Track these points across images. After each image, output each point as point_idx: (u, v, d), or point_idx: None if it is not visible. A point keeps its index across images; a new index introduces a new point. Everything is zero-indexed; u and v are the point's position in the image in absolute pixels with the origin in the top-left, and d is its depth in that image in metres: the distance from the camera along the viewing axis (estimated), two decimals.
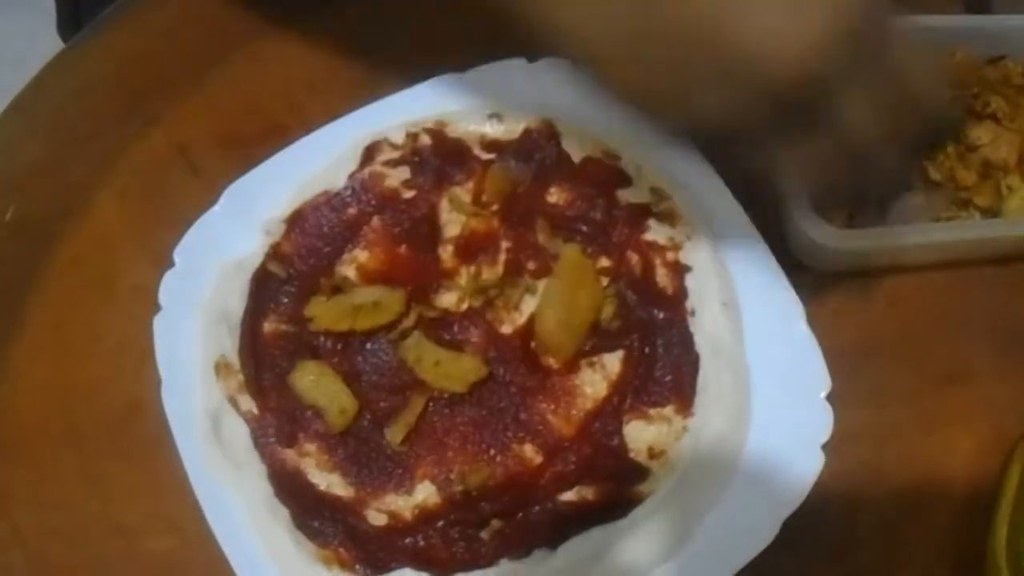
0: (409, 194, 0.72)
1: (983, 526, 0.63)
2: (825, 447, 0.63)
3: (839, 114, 0.52)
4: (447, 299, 0.68)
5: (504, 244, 0.70)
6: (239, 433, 0.65)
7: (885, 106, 0.53)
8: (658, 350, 0.65)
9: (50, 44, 0.94)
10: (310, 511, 0.62)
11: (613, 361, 0.66)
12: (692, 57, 0.50)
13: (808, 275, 0.71)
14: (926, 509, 0.66)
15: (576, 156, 0.72)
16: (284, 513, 0.62)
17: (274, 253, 0.70)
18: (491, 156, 0.73)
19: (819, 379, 0.64)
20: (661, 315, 0.66)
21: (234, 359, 0.67)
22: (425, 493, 0.63)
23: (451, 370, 0.64)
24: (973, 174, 0.74)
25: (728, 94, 0.51)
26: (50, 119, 0.84)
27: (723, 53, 0.49)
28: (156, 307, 0.68)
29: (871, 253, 0.70)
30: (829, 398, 0.64)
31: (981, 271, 0.73)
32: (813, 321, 0.66)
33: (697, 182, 0.71)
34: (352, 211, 0.71)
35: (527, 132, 0.73)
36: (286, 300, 0.68)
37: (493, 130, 0.74)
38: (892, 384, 0.69)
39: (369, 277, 0.69)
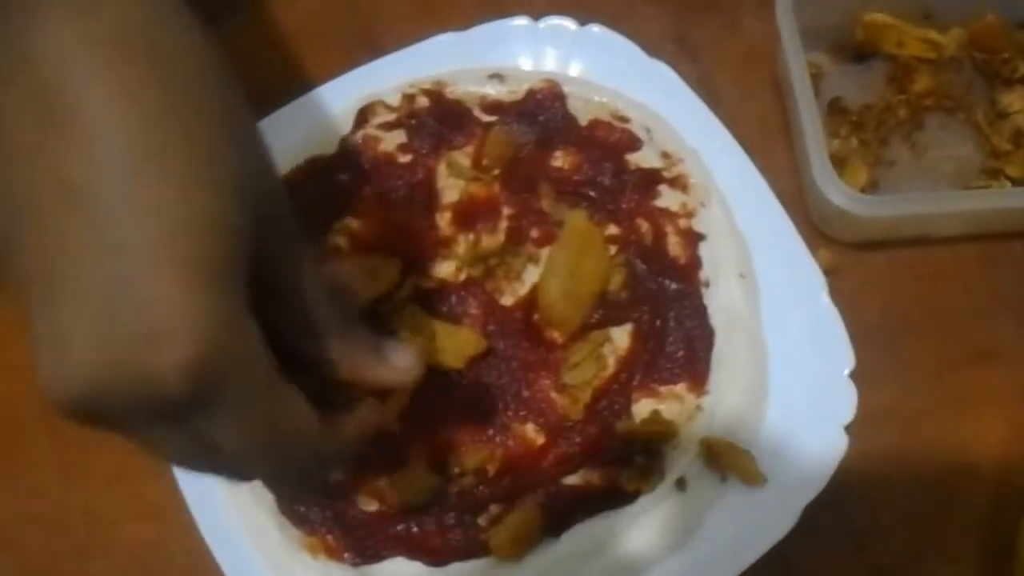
0: (405, 159, 0.67)
1: (1014, 516, 0.60)
2: (848, 428, 0.59)
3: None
4: (444, 269, 0.64)
5: (505, 211, 0.65)
6: None
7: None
8: (669, 323, 0.61)
9: None
10: None
11: (621, 335, 0.62)
12: None
13: (828, 246, 0.67)
14: (953, 497, 0.62)
15: (583, 119, 0.68)
16: (268, 498, 0.59)
17: None
18: (492, 118, 0.69)
19: (842, 356, 0.60)
20: (673, 286, 0.62)
21: None
22: None
23: (448, 344, 0.60)
24: (1007, 141, 0.70)
25: None
26: None
27: None
28: None
29: (896, 221, 0.66)
30: (852, 376, 0.60)
31: (1011, 245, 0.69)
32: (834, 295, 0.63)
33: (711, 146, 0.67)
34: (344, 177, 0.67)
35: (531, 93, 0.69)
36: None
37: (495, 91, 0.70)
38: (917, 363, 0.65)
39: (362, 246, 0.65)
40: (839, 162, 0.67)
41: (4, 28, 0.34)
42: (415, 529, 0.57)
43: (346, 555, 0.57)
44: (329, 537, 0.57)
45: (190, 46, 0.37)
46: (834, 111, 0.71)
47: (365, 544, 0.57)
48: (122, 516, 0.63)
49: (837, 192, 0.63)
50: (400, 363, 0.47)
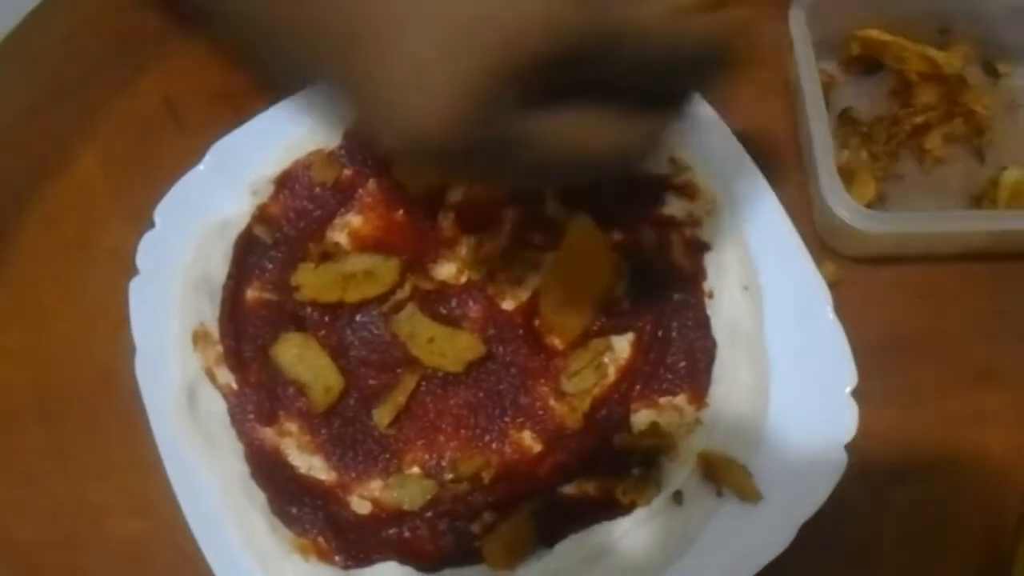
0: None
1: (1011, 539, 0.60)
2: (848, 447, 0.58)
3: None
4: (445, 270, 0.63)
5: (509, 214, 0.64)
6: (216, 408, 0.60)
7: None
8: (672, 334, 0.61)
9: None
10: (288, 495, 0.58)
11: (622, 344, 0.61)
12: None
13: (833, 259, 0.66)
14: (952, 519, 0.61)
15: None
16: (260, 497, 0.58)
17: (260, 215, 0.65)
18: None
19: (845, 373, 0.59)
20: (677, 296, 0.62)
21: (213, 328, 0.62)
22: None
23: (447, 347, 0.60)
24: None
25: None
26: (35, 65, 0.79)
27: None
28: (134, 270, 0.64)
29: (902, 238, 0.65)
30: (854, 394, 0.59)
31: (1017, 266, 0.68)
32: (838, 310, 0.61)
33: (719, 154, 0.66)
34: (347, 172, 0.66)
35: None
36: (271, 266, 0.64)
37: None
38: (919, 383, 0.65)
39: (362, 244, 0.64)
40: (847, 174, 0.67)
41: None
42: (407, 534, 0.56)
43: (337, 558, 0.56)
44: (320, 539, 0.57)
45: None
46: (844, 122, 0.71)
47: (357, 547, 0.56)
48: (111, 509, 0.62)
49: (844, 206, 0.62)
50: None
